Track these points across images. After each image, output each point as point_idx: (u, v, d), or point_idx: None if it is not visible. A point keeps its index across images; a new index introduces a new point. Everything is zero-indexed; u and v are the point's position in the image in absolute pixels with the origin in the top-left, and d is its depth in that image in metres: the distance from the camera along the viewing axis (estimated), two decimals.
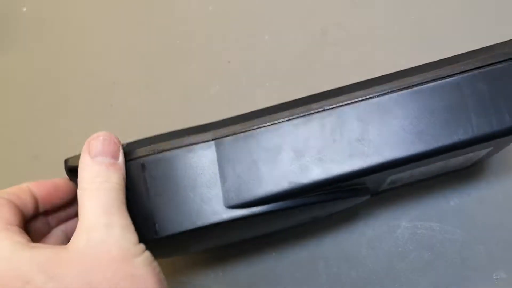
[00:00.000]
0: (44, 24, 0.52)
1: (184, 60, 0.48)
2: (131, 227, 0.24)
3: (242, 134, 0.26)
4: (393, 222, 0.36)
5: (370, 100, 0.25)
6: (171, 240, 0.26)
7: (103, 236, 0.23)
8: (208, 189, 0.25)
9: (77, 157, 0.27)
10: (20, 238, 0.23)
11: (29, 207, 0.27)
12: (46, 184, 0.28)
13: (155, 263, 0.24)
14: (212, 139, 0.26)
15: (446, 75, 0.25)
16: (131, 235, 0.24)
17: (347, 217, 0.37)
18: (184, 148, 0.26)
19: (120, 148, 0.26)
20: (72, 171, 0.27)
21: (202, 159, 0.25)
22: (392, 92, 0.25)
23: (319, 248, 0.36)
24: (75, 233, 0.23)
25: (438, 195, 0.36)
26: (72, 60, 0.50)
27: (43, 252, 0.23)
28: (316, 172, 0.25)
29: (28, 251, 0.23)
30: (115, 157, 0.25)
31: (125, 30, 0.51)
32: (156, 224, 0.25)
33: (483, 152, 0.30)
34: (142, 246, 0.24)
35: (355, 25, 0.45)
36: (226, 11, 0.49)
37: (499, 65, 0.25)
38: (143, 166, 0.26)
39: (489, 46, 0.27)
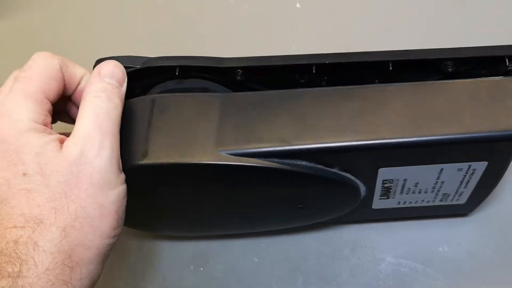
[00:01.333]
0: None
1: (209, 51, 0.48)
2: (118, 153, 0.26)
3: (251, 92, 0.28)
4: (380, 255, 0.36)
5: (375, 86, 0.28)
6: (152, 176, 0.28)
7: (93, 156, 0.24)
8: (205, 132, 0.27)
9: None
10: (44, 118, 0.25)
11: (71, 88, 0.28)
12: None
13: (123, 201, 0.26)
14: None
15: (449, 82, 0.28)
16: (117, 162, 0.25)
17: (336, 240, 0.37)
18: (195, 94, 0.29)
19: (126, 78, 0.28)
20: None
21: (209, 107, 0.28)
22: (395, 83, 0.28)
23: (302, 263, 0.37)
24: (72, 137, 0.25)
25: (429, 238, 0.36)
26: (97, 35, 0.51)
27: (48, 148, 0.24)
28: (308, 137, 0.27)
29: (42, 138, 0.24)
30: (121, 84, 0.28)
31: (149, 15, 0.51)
32: (147, 151, 0.27)
33: (476, 177, 0.30)
34: (122, 177, 0.26)
35: (378, 49, 0.45)
36: (260, 12, 0.49)
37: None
38: (153, 101, 0.28)
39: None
